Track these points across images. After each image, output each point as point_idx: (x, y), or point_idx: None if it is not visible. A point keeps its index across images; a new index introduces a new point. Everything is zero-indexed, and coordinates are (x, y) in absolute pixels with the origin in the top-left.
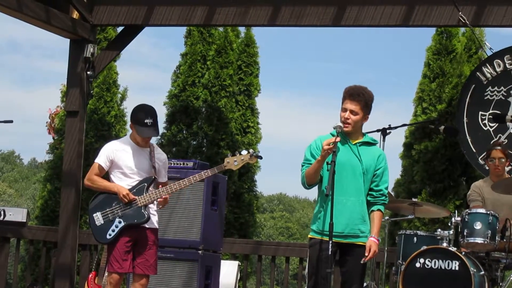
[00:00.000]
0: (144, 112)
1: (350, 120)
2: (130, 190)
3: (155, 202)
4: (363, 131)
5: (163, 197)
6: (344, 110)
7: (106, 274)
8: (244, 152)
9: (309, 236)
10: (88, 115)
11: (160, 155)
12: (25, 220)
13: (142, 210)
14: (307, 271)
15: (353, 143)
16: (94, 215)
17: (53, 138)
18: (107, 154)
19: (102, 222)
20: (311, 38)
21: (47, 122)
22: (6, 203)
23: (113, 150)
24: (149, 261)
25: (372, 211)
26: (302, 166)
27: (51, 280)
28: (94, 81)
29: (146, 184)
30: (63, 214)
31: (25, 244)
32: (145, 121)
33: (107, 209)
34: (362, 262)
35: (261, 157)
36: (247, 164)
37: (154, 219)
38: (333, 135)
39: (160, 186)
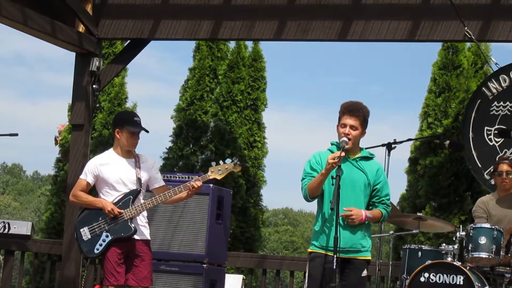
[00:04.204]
0: (129, 113)
1: (350, 135)
2: (115, 203)
3: (144, 214)
4: (365, 145)
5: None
6: (343, 126)
7: None
8: (228, 160)
9: (309, 250)
10: (99, 129)
11: (146, 163)
12: (29, 233)
13: (129, 223)
14: (307, 286)
15: (352, 158)
16: (81, 230)
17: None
18: (91, 169)
19: (89, 236)
20: (318, 52)
21: (56, 137)
22: (11, 216)
23: (97, 165)
24: (142, 272)
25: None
26: (303, 179)
27: None
28: (105, 96)
29: (131, 196)
30: (68, 227)
31: (29, 257)
32: (134, 119)
33: (94, 224)
34: (344, 209)
35: (245, 166)
36: (232, 173)
37: (146, 231)
38: (331, 151)
39: (163, 190)
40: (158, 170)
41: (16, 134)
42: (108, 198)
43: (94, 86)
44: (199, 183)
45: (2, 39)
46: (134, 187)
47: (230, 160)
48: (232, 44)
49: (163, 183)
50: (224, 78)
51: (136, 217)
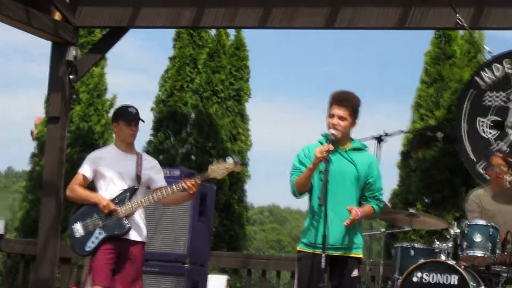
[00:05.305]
0: (125, 106)
1: (339, 126)
2: (112, 200)
3: (142, 215)
4: (354, 137)
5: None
6: (331, 116)
7: None
8: (229, 159)
9: (298, 248)
10: (76, 122)
11: (149, 162)
12: (2, 232)
13: (123, 221)
14: (297, 286)
15: (342, 149)
16: (74, 225)
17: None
18: (90, 163)
19: (83, 233)
20: (305, 40)
21: (32, 130)
22: None
23: (96, 159)
24: (130, 276)
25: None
26: (292, 174)
27: None
28: (84, 87)
29: (128, 194)
30: (43, 226)
31: (2, 257)
32: (129, 110)
33: (88, 220)
34: (344, 224)
35: (246, 165)
36: (232, 172)
37: (143, 232)
38: (321, 143)
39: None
40: (160, 171)
41: None
42: (106, 194)
43: (71, 76)
44: (198, 181)
45: None
46: (133, 183)
47: (231, 159)
48: (213, 32)
49: (164, 184)
50: (204, 68)
51: (132, 215)
